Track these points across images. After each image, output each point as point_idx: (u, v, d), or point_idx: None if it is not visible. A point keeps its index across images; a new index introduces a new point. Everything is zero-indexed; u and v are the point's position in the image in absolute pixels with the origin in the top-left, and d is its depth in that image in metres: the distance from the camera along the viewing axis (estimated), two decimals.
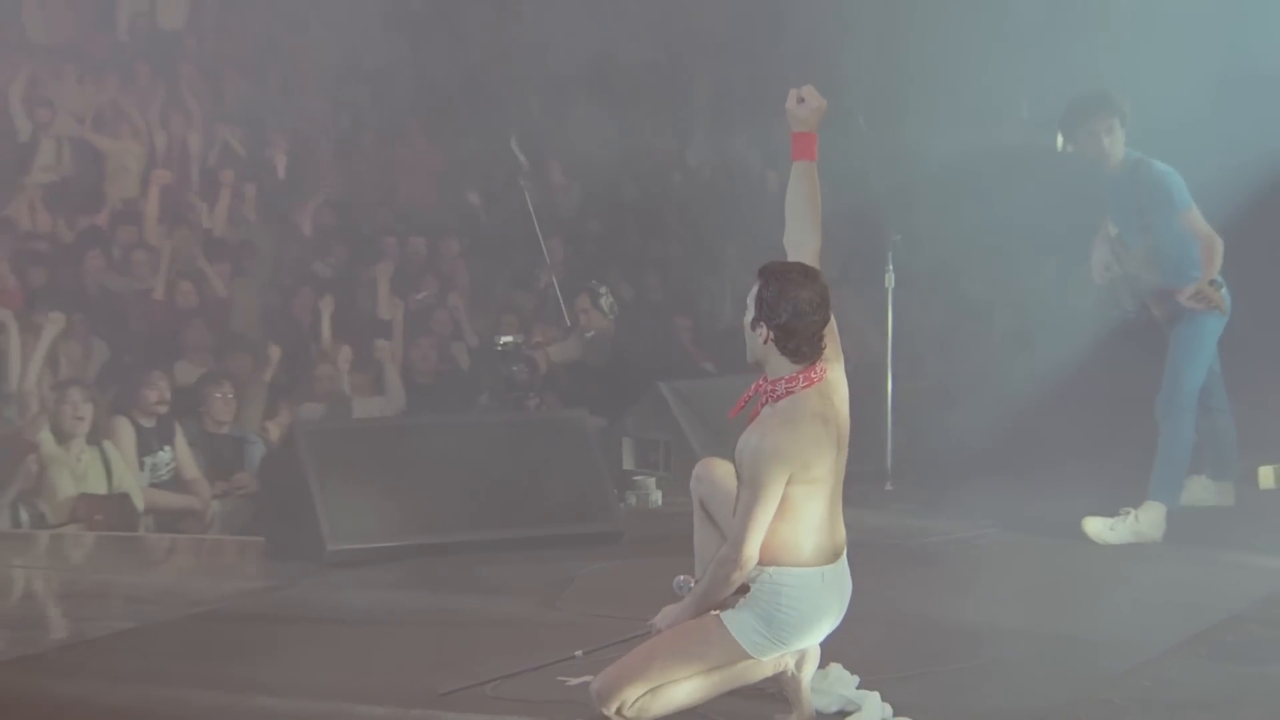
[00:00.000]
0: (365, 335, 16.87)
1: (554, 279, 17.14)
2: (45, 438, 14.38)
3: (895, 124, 16.79)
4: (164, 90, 19.75)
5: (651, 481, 14.62)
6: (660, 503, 14.46)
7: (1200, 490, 13.51)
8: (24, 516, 14.31)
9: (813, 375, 8.36)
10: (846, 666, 8.85)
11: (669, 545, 12.82)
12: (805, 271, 8.38)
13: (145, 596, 12.04)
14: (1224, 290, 12.86)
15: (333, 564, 12.07)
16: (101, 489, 14.42)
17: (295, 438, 12.98)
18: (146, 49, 20.43)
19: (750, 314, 8.37)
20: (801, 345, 8.31)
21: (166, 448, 14.84)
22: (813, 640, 8.51)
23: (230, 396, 15.31)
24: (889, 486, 14.70)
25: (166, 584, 12.76)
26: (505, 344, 16.07)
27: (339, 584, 11.76)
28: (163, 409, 14.90)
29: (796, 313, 8.25)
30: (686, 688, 8.44)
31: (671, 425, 14.93)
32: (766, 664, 8.45)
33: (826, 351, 8.42)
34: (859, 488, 14.20)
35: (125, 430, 14.70)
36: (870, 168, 16.30)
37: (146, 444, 14.78)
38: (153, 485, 14.71)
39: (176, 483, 14.80)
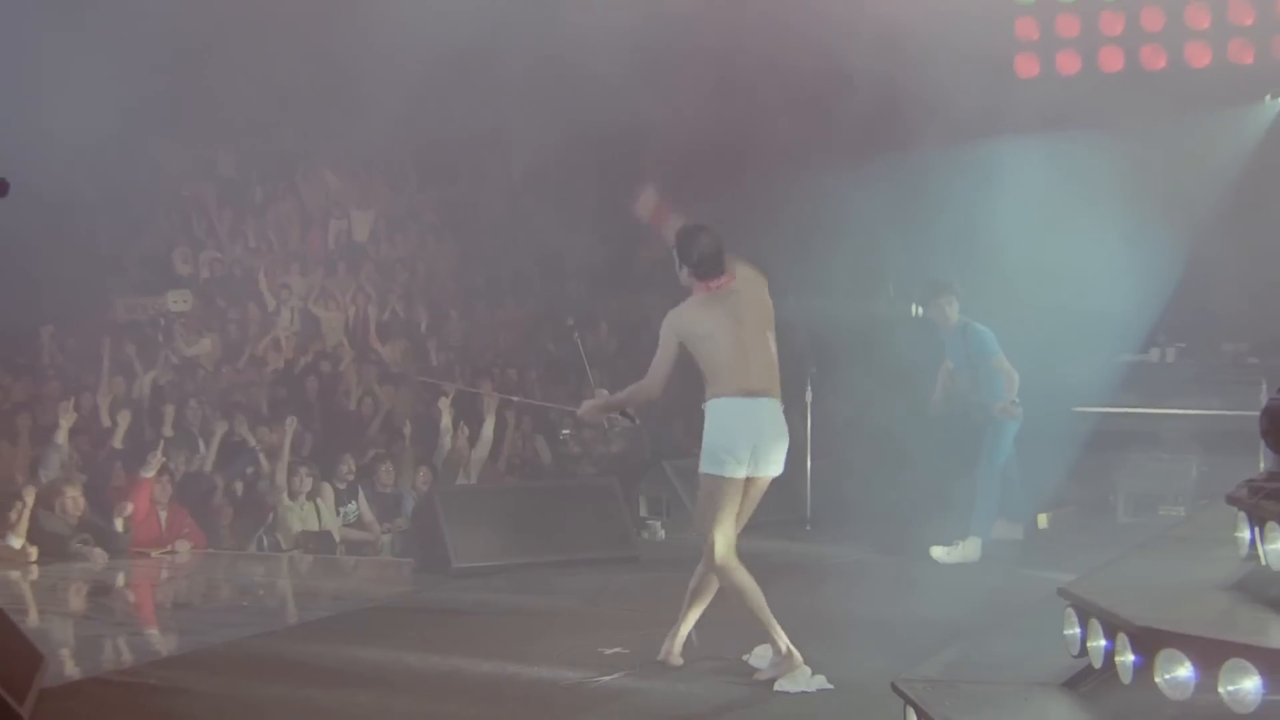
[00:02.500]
0: (475, 428, 16.81)
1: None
2: (283, 497, 14.47)
3: (813, 297, 16.77)
4: (355, 279, 19.85)
5: (658, 523, 14.62)
6: (664, 537, 14.42)
7: (1002, 529, 13.51)
8: (265, 544, 14.36)
9: (710, 285, 8.66)
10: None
11: (669, 565, 12.79)
12: (701, 228, 8.73)
13: (340, 595, 12.10)
14: (1020, 407, 12.94)
15: (456, 576, 12.08)
16: (314, 528, 14.46)
17: (433, 495, 13.03)
18: (344, 253, 20.54)
19: (677, 264, 8.77)
20: (707, 270, 8.62)
21: (353, 502, 14.83)
22: (747, 452, 8.51)
23: (391, 469, 15.32)
24: (808, 527, 14.69)
25: (354, 588, 12.80)
26: (564, 436, 16.18)
27: (461, 588, 11.75)
28: (351, 477, 14.89)
29: (700, 253, 8.62)
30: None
31: (670, 488, 14.93)
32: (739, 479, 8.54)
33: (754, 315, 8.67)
34: (788, 529, 14.37)
35: (328, 491, 14.71)
36: (797, 324, 16.35)
37: (341, 499, 14.78)
38: (345, 526, 14.71)
39: (360, 524, 14.78)
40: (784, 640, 8.49)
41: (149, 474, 14.09)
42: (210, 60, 18.13)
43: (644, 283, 19.39)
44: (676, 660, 8.81)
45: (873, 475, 15.38)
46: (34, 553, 13.39)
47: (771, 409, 8.65)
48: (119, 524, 13.87)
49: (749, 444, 8.51)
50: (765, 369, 8.63)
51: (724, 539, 8.53)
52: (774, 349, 8.75)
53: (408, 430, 16.24)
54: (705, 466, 8.57)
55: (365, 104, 19.45)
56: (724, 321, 8.54)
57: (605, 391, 9.42)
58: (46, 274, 18.18)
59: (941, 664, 8.56)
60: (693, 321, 8.60)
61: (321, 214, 21.49)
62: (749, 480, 8.63)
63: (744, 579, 8.58)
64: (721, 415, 8.54)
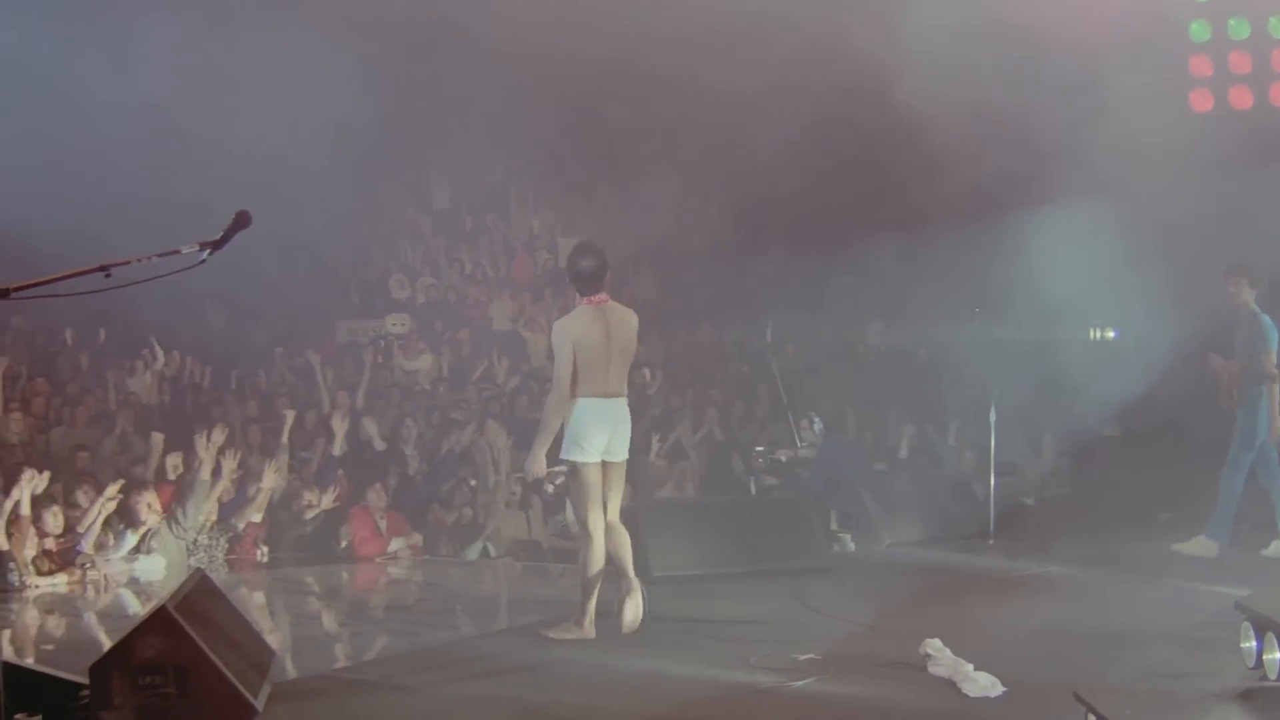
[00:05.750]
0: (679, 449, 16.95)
1: (789, 414, 17.09)
2: (501, 508, 14.72)
3: (994, 324, 16.59)
4: (559, 303, 20.08)
5: (848, 536, 14.50)
6: (853, 549, 14.30)
7: (1198, 545, 13.27)
8: (481, 551, 14.60)
9: (592, 299, 10.02)
10: (957, 651, 8.72)
11: (859, 575, 12.81)
12: (588, 251, 10.09)
13: (548, 601, 12.12)
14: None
15: (656, 584, 12.07)
16: (524, 536, 14.65)
17: (635, 507, 13.11)
18: (550, 279, 20.76)
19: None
20: (583, 286, 10.03)
21: (561, 513, 14.97)
22: (603, 442, 9.91)
23: None
24: (991, 542, 14.52)
25: (561, 594, 12.88)
26: (759, 452, 16.21)
27: (660, 596, 11.55)
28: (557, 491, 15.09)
29: (578, 271, 10.04)
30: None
31: (859, 502, 14.80)
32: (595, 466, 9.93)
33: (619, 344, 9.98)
34: (972, 542, 14.28)
35: (537, 502, 14.88)
36: (979, 349, 16.28)
37: (549, 510, 14.93)
38: (552, 535, 14.86)
39: (567, 533, 14.92)
40: (590, 615, 9.96)
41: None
42: (421, 97, 18.49)
43: (832, 307, 19.42)
44: (591, 632, 9.91)
45: (1049, 495, 15.24)
46: (266, 552, 14.02)
47: (622, 406, 10.06)
48: (342, 537, 14.24)
49: (605, 435, 9.92)
50: (620, 377, 10.03)
51: (595, 516, 10.00)
52: (629, 361, 10.16)
53: None
54: (567, 454, 9.98)
55: (570, 143, 19.67)
56: (600, 335, 9.90)
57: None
58: (277, 299, 18.68)
59: (1121, 673, 8.50)
60: (581, 330, 9.86)
61: (527, 243, 21.74)
62: (606, 465, 10.01)
63: (601, 552, 10.00)
64: (585, 412, 9.86)
